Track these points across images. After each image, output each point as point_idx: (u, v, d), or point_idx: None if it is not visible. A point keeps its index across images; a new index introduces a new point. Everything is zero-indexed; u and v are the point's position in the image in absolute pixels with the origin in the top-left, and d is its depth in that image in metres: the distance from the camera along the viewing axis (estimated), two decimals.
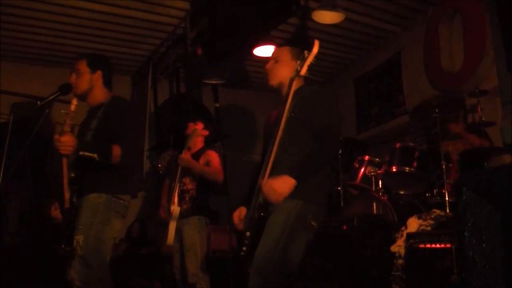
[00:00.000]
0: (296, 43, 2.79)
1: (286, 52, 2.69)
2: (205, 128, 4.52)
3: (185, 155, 4.14)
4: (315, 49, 2.35)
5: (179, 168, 4.13)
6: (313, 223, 2.43)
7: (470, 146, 4.26)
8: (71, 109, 2.71)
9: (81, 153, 2.62)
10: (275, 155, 2.38)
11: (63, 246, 2.68)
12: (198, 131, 4.28)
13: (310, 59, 2.36)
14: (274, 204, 2.33)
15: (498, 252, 1.56)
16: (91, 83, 2.95)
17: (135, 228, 6.44)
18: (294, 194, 2.37)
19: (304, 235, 2.39)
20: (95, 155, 2.64)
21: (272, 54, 2.77)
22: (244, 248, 2.41)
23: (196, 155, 4.34)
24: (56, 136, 2.57)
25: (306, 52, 2.37)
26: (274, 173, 2.37)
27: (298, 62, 2.41)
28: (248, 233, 2.43)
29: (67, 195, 2.73)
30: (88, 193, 2.75)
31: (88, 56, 3.01)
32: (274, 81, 2.67)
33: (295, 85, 2.43)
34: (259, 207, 2.39)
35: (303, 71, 2.37)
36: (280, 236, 2.31)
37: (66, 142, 2.56)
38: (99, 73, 2.97)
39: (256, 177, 2.51)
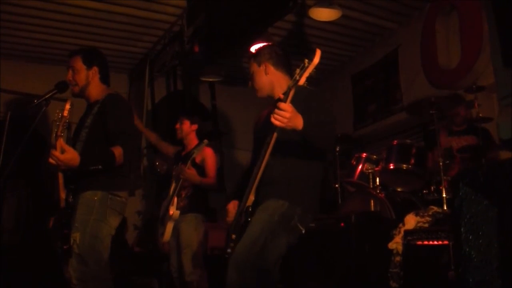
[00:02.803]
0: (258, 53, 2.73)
1: (253, 63, 2.69)
2: (193, 122, 4.47)
3: (191, 171, 4.06)
4: (316, 60, 2.17)
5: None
6: (300, 227, 2.42)
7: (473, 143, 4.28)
8: (64, 114, 2.69)
9: (85, 169, 2.63)
10: (267, 159, 2.35)
11: (59, 244, 2.67)
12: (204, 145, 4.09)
13: (310, 69, 2.18)
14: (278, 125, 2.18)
15: (494, 247, 1.57)
16: (88, 80, 2.94)
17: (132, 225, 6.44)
18: (281, 194, 2.39)
19: (285, 237, 2.37)
20: (99, 166, 2.65)
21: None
22: (229, 251, 2.41)
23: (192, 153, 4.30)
24: (56, 154, 2.53)
25: (306, 61, 2.19)
26: (266, 174, 2.38)
27: (298, 70, 2.22)
28: (233, 236, 2.42)
29: (62, 195, 2.72)
30: (84, 191, 2.73)
31: (82, 52, 2.98)
32: (263, 93, 2.68)
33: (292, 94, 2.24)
34: (247, 211, 2.39)
35: (302, 81, 2.19)
36: (260, 234, 2.30)
37: (64, 160, 2.54)
38: (95, 69, 2.96)
39: (246, 177, 2.51)
